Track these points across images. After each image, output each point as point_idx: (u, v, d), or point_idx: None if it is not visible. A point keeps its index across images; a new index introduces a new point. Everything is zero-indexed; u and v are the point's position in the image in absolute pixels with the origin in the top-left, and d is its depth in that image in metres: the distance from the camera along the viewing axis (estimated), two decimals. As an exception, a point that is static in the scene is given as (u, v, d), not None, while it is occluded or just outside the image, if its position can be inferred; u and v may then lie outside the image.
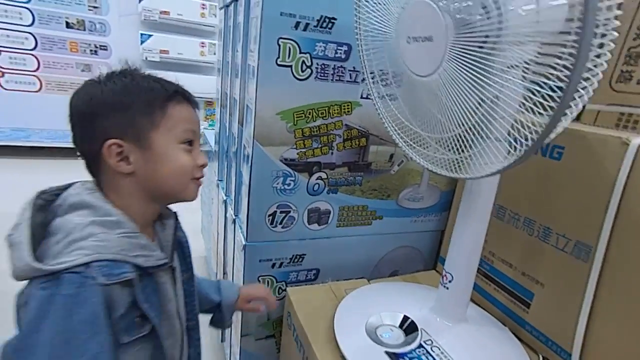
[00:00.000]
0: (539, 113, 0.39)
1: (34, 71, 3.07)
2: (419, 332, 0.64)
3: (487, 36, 0.48)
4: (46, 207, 0.46)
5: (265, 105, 0.72)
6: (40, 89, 3.12)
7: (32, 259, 0.39)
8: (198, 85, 3.45)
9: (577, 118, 0.74)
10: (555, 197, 0.64)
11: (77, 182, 0.48)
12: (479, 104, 0.49)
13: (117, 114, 0.46)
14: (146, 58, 3.24)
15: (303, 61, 0.71)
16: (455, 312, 0.66)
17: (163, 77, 0.51)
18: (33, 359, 0.36)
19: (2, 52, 2.95)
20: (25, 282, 0.42)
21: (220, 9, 1.11)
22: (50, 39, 3.04)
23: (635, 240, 0.52)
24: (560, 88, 0.37)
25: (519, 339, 0.69)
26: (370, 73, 0.66)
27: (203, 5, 3.27)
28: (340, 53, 0.74)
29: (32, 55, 3.03)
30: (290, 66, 0.71)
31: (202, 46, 3.37)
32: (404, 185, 0.91)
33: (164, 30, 3.26)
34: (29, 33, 2.98)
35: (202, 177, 0.52)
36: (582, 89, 0.40)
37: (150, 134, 0.46)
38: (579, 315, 0.58)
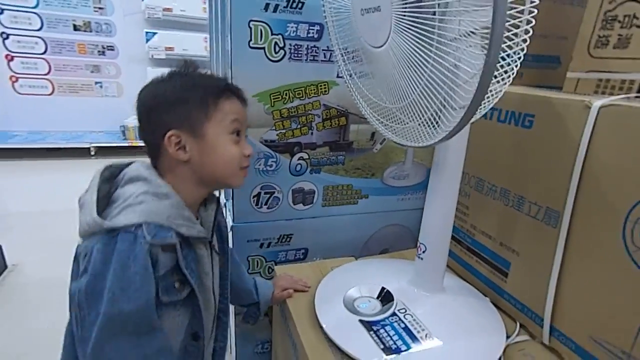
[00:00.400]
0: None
1: (46, 74, 3.18)
2: (395, 302, 0.65)
3: (438, 4, 0.48)
4: (111, 180, 0.53)
5: (241, 87, 0.74)
6: (52, 92, 3.24)
7: (97, 215, 0.45)
8: (203, 80, 3.50)
9: (561, 88, 0.73)
10: (527, 165, 0.63)
11: (137, 160, 0.55)
12: (436, 72, 0.50)
13: (176, 108, 0.51)
14: (152, 56, 3.30)
15: (276, 42, 0.73)
16: (431, 282, 0.67)
17: (214, 75, 0.58)
18: (98, 303, 0.43)
19: (15, 58, 3.06)
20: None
21: (206, -1, 1.12)
22: (59, 42, 3.14)
23: (597, 203, 0.52)
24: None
25: (500, 309, 0.69)
26: (339, 50, 0.67)
27: (204, 0, 3.30)
28: (313, 33, 0.75)
29: (43, 59, 3.13)
30: (263, 48, 0.73)
31: (206, 41, 3.41)
32: (388, 164, 0.92)
33: (168, 27, 3.31)
34: (39, 37, 3.08)
35: (248, 165, 0.58)
36: (508, 47, 0.40)
37: (204, 125, 0.52)
38: (549, 280, 0.58)
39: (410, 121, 0.54)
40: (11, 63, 3.06)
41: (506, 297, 0.69)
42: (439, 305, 0.66)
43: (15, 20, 2.97)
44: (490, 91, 0.44)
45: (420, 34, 0.46)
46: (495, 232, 0.71)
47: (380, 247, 1.00)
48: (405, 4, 0.47)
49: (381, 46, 0.51)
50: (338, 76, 0.79)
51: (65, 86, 3.27)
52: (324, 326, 0.63)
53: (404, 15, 0.47)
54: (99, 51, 3.28)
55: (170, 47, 3.33)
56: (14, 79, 3.10)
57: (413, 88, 0.49)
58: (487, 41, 0.44)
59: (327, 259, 0.91)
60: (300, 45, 0.75)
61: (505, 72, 0.42)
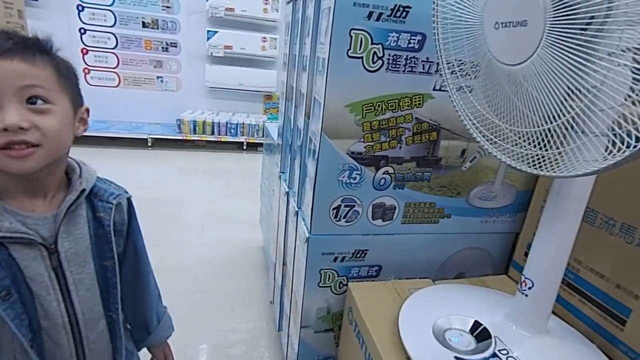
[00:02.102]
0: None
1: (114, 68, 3.38)
2: (493, 339, 0.60)
3: (592, 17, 0.43)
4: None
5: (334, 97, 0.72)
6: (118, 84, 3.44)
7: None
8: (259, 79, 3.57)
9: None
10: (665, 202, 0.55)
11: None
12: (576, 94, 0.44)
13: None
14: (211, 53, 3.41)
15: (375, 52, 0.69)
16: (534, 322, 0.61)
17: None
18: None
19: (89, 52, 3.29)
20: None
21: (288, 2, 1.12)
22: (128, 38, 3.33)
23: None
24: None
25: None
26: (447, 63, 0.63)
27: (266, 0, 3.36)
28: (414, 43, 0.70)
29: (113, 53, 3.34)
30: (362, 57, 0.69)
31: (264, 41, 3.46)
32: (475, 183, 0.86)
33: (228, 26, 3.40)
34: (111, 33, 3.28)
35: (16, 142, 0.43)
36: None
37: None
38: (693, 339, 0.50)
39: (537, 149, 0.49)
40: (86, 56, 3.29)
41: (622, 349, 0.61)
42: (544, 349, 0.59)
43: (93, 18, 3.19)
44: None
45: (577, 49, 0.40)
46: (611, 271, 0.63)
47: (456, 270, 0.94)
48: (558, 16, 0.42)
49: (519, 64, 0.46)
50: (435, 89, 0.75)
51: (130, 79, 3.46)
52: (412, 357, 0.59)
53: (556, 30, 0.42)
54: (162, 47, 3.44)
55: (228, 46, 3.42)
56: (86, 71, 3.33)
57: (554, 113, 0.43)
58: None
59: (400, 278, 0.87)
60: (400, 56, 0.71)
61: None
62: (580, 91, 0.44)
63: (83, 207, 0.52)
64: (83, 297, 0.51)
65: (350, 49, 0.69)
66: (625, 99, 0.42)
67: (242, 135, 3.56)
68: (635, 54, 0.41)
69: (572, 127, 0.46)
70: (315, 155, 0.77)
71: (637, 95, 0.40)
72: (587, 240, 0.68)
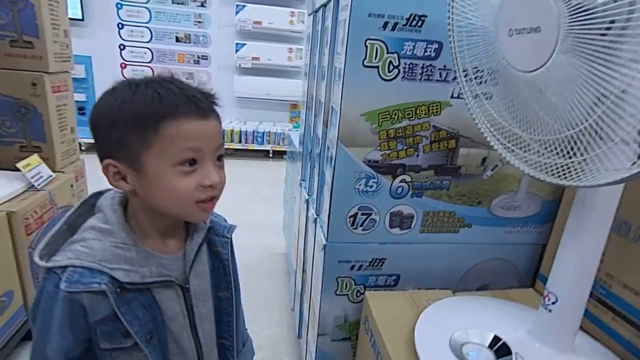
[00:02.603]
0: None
1: (150, 81, 3.57)
2: (513, 356, 0.57)
3: (612, 22, 0.41)
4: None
5: (350, 106, 0.72)
6: (154, 96, 3.62)
7: (35, 255, 0.43)
8: (285, 88, 3.64)
9: None
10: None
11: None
12: (599, 100, 0.42)
13: (111, 133, 0.43)
14: (240, 65, 3.52)
15: (390, 61, 0.70)
16: (559, 339, 0.58)
17: (178, 85, 0.44)
18: (33, 328, 0.45)
19: (127, 66, 3.49)
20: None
21: (310, 14, 1.14)
22: (162, 52, 3.51)
23: None
24: None
25: (645, 382, 0.57)
26: (464, 71, 0.62)
27: (292, 12, 3.44)
28: (430, 51, 0.70)
29: (149, 67, 3.52)
30: (377, 67, 0.70)
31: (290, 51, 3.54)
32: (497, 192, 0.83)
33: (256, 38, 3.51)
34: (147, 48, 3.47)
35: (212, 197, 0.46)
36: None
37: (142, 155, 0.43)
38: None
39: (559, 157, 0.47)
40: (124, 70, 3.50)
41: (659, 372, 0.56)
42: (570, 368, 0.56)
43: (131, 34, 3.40)
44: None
45: (597, 54, 0.39)
46: (645, 288, 0.59)
47: (478, 282, 0.90)
48: (575, 22, 0.40)
49: (533, 71, 0.45)
50: (452, 97, 0.74)
51: (164, 91, 3.63)
52: (429, 371, 0.58)
53: (572, 35, 0.40)
54: (194, 60, 3.59)
55: (256, 57, 3.52)
56: (124, 84, 3.53)
57: (577, 121, 0.42)
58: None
59: (420, 288, 0.85)
60: (416, 64, 0.71)
61: None
62: (606, 97, 0.42)
63: (204, 244, 0.53)
64: (205, 329, 0.53)
65: (365, 58, 0.69)
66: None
67: (269, 144, 3.63)
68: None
69: (596, 132, 0.44)
70: (332, 163, 0.78)
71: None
72: (619, 253, 0.64)
